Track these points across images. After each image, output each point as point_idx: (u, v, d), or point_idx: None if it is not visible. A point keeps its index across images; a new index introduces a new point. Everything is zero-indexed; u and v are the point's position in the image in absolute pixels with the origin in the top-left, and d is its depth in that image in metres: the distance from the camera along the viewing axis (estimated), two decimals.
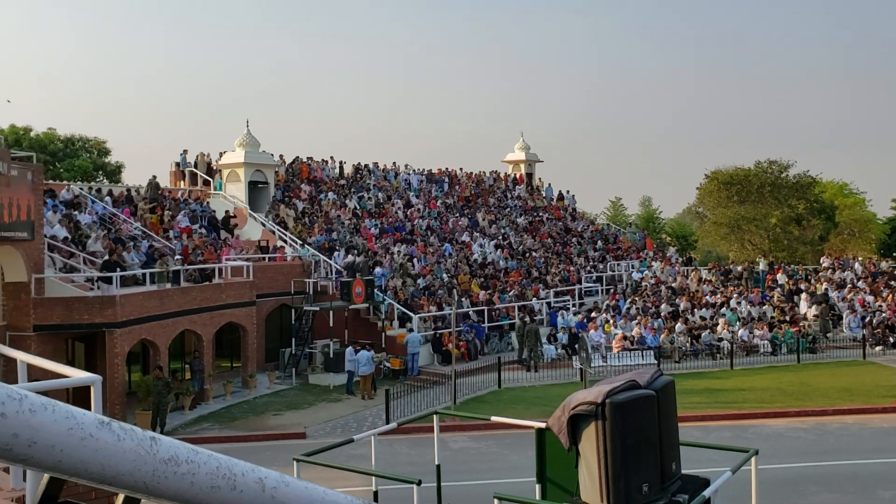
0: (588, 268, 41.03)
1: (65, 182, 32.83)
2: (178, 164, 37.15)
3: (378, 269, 31.83)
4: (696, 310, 34.63)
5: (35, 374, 8.74)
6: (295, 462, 6.25)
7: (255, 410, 23.21)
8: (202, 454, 1.48)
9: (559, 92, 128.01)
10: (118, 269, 22.25)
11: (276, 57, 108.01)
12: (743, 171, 60.60)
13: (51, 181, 30.67)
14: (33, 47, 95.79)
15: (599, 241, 45.88)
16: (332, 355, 26.93)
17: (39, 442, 1.12)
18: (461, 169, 49.32)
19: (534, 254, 40.79)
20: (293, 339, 28.43)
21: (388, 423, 19.85)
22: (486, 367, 27.54)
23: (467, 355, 29.29)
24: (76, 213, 26.97)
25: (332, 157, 43.24)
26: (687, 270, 41.77)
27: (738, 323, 32.82)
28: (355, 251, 32.85)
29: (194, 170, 36.61)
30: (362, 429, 20.29)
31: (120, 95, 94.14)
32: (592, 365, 24.97)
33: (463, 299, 32.26)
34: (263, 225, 33.83)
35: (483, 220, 43.51)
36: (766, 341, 31.41)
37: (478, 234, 41.34)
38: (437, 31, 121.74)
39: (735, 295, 36.19)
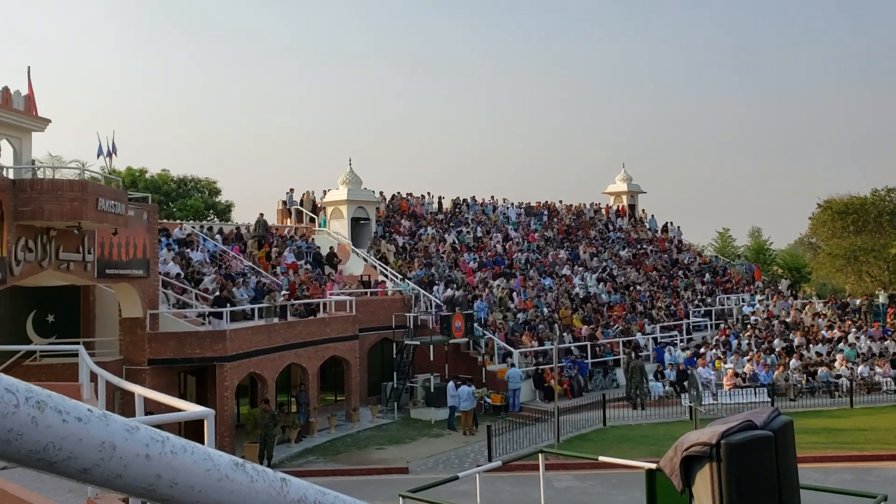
0: (696, 302, 39.94)
1: (178, 221, 34.40)
2: (284, 203, 38.38)
3: (477, 304, 31.88)
4: (811, 345, 33.13)
5: (150, 406, 9.14)
6: (401, 498, 6.28)
7: (358, 444, 23.47)
8: (329, 495, 1.51)
9: (661, 120, 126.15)
10: (228, 305, 23.06)
11: (377, 95, 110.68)
12: (859, 199, 57.96)
13: (165, 220, 32.23)
14: (150, 94, 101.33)
15: (707, 274, 44.65)
16: (432, 390, 27.04)
17: (180, 483, 1.17)
18: (560, 201, 49.11)
19: (638, 287, 40.02)
20: (394, 373, 28.71)
21: (490, 460, 19.71)
22: (590, 404, 27.04)
23: (570, 392, 28.86)
24: (188, 250, 28.15)
25: (429, 193, 43.85)
26: (801, 304, 40.10)
27: (857, 359, 31.20)
28: (454, 285, 33.03)
29: (300, 208, 37.73)
30: (464, 465, 20.22)
31: (229, 137, 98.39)
32: (703, 403, 24.18)
33: (565, 334, 31.90)
34: (365, 260, 34.47)
35: (584, 252, 43.06)
36: (888, 378, 29.72)
37: (579, 267, 40.90)
38: (533, 62, 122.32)
39: (853, 329, 34.46)
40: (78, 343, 16.41)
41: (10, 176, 18.86)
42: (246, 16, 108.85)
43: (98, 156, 21.62)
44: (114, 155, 21.70)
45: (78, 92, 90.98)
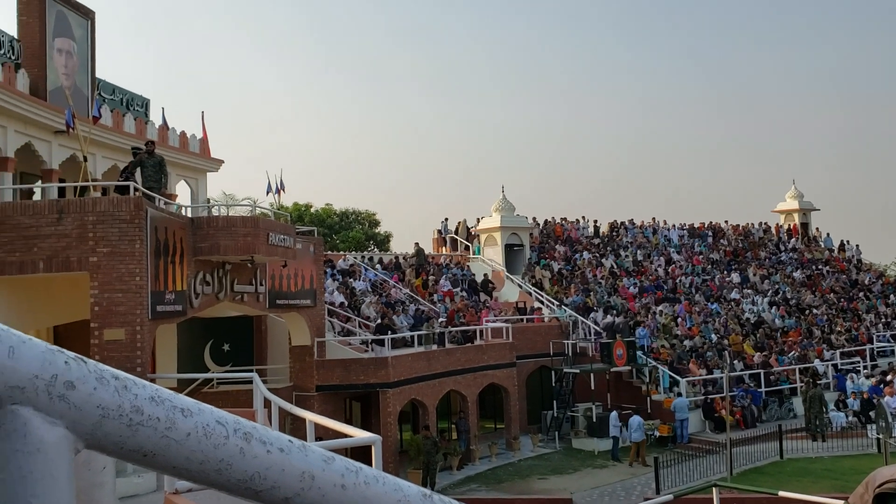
0: (880, 325, 37.14)
1: (341, 252, 35.74)
2: (439, 232, 39.06)
3: (639, 330, 31.05)
4: None
5: (318, 431, 9.46)
6: None
7: (520, 473, 23.33)
8: None
9: (833, 131, 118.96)
10: (389, 332, 23.67)
11: (529, 122, 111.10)
12: None
13: (329, 252, 33.57)
14: (312, 133, 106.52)
15: (892, 296, 41.47)
16: (595, 419, 26.51)
17: None
18: (726, 221, 47.23)
19: (814, 311, 37.71)
20: (554, 402, 28.39)
21: (658, 492, 19.03)
22: (765, 435, 25.59)
23: (743, 422, 27.48)
24: (351, 280, 29.19)
25: (584, 217, 43.36)
26: None
27: None
28: (614, 311, 32.36)
29: (454, 236, 38.27)
30: (631, 498, 19.63)
31: (387, 171, 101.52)
32: (893, 435, 22.34)
33: (735, 361, 30.49)
34: (520, 287, 34.43)
35: (754, 275, 41.09)
36: None
37: (749, 290, 39.06)
38: (687, 75, 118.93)
39: None
40: (251, 370, 17.32)
41: (189, 214, 20.26)
42: (398, 52, 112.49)
43: (267, 193, 22.84)
44: (282, 192, 22.84)
45: (248, 132, 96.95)
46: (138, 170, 16.80)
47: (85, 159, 17.61)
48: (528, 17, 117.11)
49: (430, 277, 32.36)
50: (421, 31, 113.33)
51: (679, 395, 27.65)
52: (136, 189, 15.30)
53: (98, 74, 22.17)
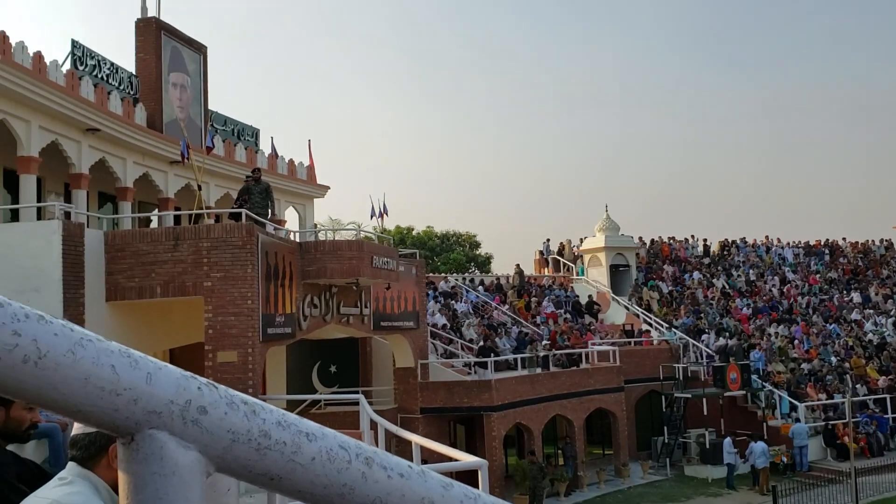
0: None
1: (442, 274, 36.00)
2: (541, 252, 38.75)
3: (754, 353, 29.93)
4: None
5: (423, 454, 9.50)
6: None
7: (630, 501, 22.77)
8: None
9: None
10: (492, 355, 23.61)
11: (631, 140, 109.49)
12: None
13: (431, 274, 33.84)
14: (413, 157, 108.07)
15: None
16: (708, 446, 25.64)
17: None
18: (844, 238, 45.15)
19: None
20: (665, 428, 27.64)
21: None
22: (894, 464, 24.21)
23: (868, 450, 26.04)
24: (453, 302, 29.30)
25: (693, 236, 42.23)
26: None
27: None
28: (727, 333, 31.33)
29: (557, 257, 37.92)
30: None
31: (487, 192, 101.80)
32: None
33: (858, 386, 28.98)
34: (627, 308, 33.76)
35: (876, 294, 39.06)
36: None
37: (870, 310, 37.14)
38: (806, 89, 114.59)
39: None
40: (357, 392, 17.61)
41: (297, 239, 20.83)
42: (499, 75, 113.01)
43: (371, 217, 23.25)
44: (385, 215, 23.22)
45: (352, 158, 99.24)
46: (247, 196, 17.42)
47: (199, 188, 18.40)
48: (624, 34, 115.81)
49: (533, 299, 32.15)
50: (521, 52, 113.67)
51: (797, 420, 26.46)
52: (246, 216, 15.85)
53: (210, 106, 23.18)
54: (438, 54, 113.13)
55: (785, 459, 25.25)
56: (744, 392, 27.63)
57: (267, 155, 25.26)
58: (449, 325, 26.74)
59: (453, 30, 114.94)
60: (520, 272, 33.77)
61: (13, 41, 15.67)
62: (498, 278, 34.66)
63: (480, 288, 32.42)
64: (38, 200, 16.97)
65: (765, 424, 26.91)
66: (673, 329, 31.52)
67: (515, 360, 24.55)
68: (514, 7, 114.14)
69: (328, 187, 28.20)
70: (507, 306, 31.02)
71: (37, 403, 0.89)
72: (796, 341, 32.58)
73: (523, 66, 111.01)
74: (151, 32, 20.54)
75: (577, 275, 36.54)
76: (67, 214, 15.25)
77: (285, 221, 25.84)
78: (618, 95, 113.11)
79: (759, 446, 23.48)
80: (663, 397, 28.35)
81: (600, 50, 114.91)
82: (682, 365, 28.97)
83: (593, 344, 28.43)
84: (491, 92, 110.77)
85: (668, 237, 41.33)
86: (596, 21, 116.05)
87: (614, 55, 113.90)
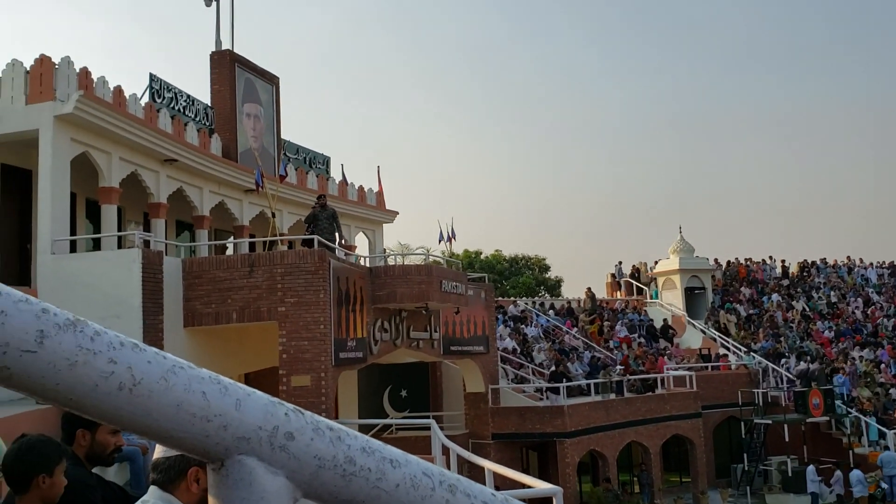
0: None
1: (511, 298, 35.84)
2: (613, 276, 38.29)
3: (837, 378, 28.89)
4: None
5: (496, 480, 9.43)
6: None
7: None
8: None
9: None
10: (564, 380, 23.35)
11: (708, 160, 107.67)
12: None
13: (500, 298, 33.73)
14: (480, 182, 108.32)
15: None
16: (790, 474, 24.78)
17: None
18: None
19: None
20: (745, 455, 26.84)
21: None
22: None
23: None
24: (523, 326, 29.12)
25: (770, 257, 41.17)
26: None
27: None
28: (808, 357, 30.35)
29: (630, 280, 37.42)
30: None
31: (556, 215, 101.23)
32: None
33: None
34: (703, 332, 33.03)
35: None
36: None
37: None
38: (883, 105, 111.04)
39: None
40: (428, 417, 17.60)
41: (367, 264, 21.05)
42: (565, 97, 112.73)
43: (439, 241, 23.35)
44: (453, 240, 23.28)
45: (419, 182, 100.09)
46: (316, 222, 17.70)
47: (273, 215, 18.80)
48: (696, 54, 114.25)
49: (606, 323, 31.74)
50: (589, 73, 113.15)
51: (886, 448, 25.36)
52: (319, 242, 16.09)
53: (283, 135, 23.69)
54: (506, 78, 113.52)
55: (885, 486, 24.19)
56: (827, 418, 26.66)
57: (337, 182, 25.66)
58: (519, 349, 26.57)
59: (521, 53, 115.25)
60: (591, 296, 33.40)
61: (95, 76, 16.34)
62: (569, 302, 34.37)
63: (551, 312, 32.19)
64: (119, 230, 17.53)
65: (851, 452, 25.87)
66: (751, 353, 30.70)
67: (588, 385, 24.22)
68: (582, 29, 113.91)
69: (397, 212, 28.45)
70: (578, 330, 30.71)
71: (131, 429, 0.90)
72: (882, 365, 31.34)
73: (593, 86, 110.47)
74: (226, 65, 21.15)
75: (651, 298, 35.98)
76: (147, 243, 15.74)
77: (355, 247, 26.13)
78: (692, 114, 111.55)
79: (856, 474, 22.58)
80: (742, 423, 27.55)
81: (671, 69, 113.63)
82: (762, 390, 28.12)
83: (669, 369, 27.88)
84: (560, 113, 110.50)
85: (745, 259, 40.44)
86: (667, 40, 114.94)
87: (685, 75, 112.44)
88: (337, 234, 17.85)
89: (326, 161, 26.02)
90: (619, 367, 26.75)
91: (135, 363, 0.87)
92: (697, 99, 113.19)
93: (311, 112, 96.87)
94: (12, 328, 0.81)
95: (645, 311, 34.83)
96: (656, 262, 37.05)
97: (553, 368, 24.66)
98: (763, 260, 40.80)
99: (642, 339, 31.19)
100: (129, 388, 0.87)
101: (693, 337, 32.95)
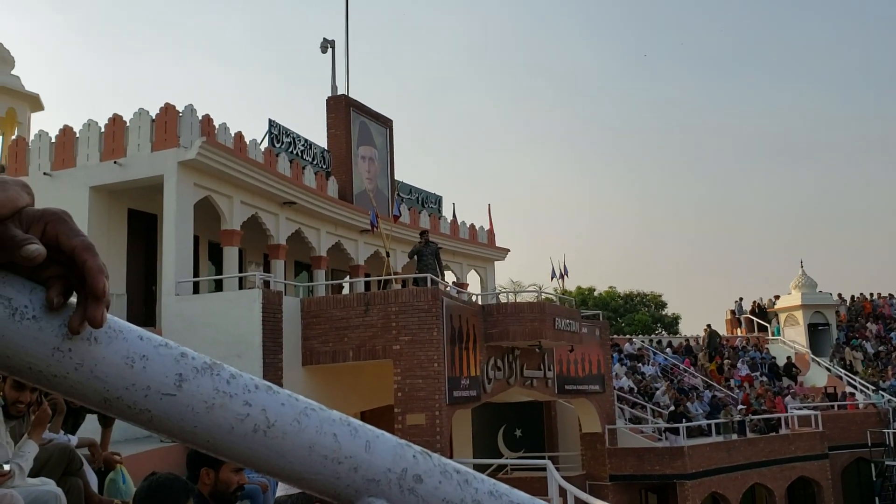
0: None
1: (627, 336, 35.04)
2: (733, 312, 37.18)
3: None
4: None
5: None
6: None
7: None
8: None
9: None
10: (684, 420, 22.53)
11: (825, 189, 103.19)
12: None
13: (615, 336, 33.04)
14: (592, 218, 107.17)
15: None
16: None
17: None
18: None
19: None
20: (876, 499, 25.13)
21: None
22: None
23: None
24: (640, 364, 28.40)
25: None
26: None
27: None
28: None
29: (750, 316, 36.17)
30: None
31: (671, 250, 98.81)
32: None
33: None
34: (828, 370, 31.43)
35: None
36: None
37: None
38: None
39: None
40: (543, 457, 17.18)
41: (479, 302, 20.94)
42: (675, 127, 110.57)
43: (552, 278, 23.04)
44: (565, 276, 22.95)
45: (530, 219, 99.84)
46: (416, 258, 17.77)
47: (387, 255, 18.93)
48: (813, 79, 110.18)
49: (726, 361, 30.70)
50: (701, 105, 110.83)
51: None
52: (432, 280, 16.08)
53: (396, 176, 24.03)
54: (612, 111, 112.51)
55: None
56: None
57: (449, 221, 25.79)
58: (636, 388, 25.91)
59: (629, 85, 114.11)
60: (711, 333, 32.42)
61: (216, 123, 16.95)
62: (687, 339, 33.53)
63: (668, 350, 31.42)
64: (240, 271, 18.02)
65: None
66: (880, 391, 28.94)
67: (709, 425, 23.31)
68: (691, 57, 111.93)
69: (508, 250, 28.33)
70: (698, 369, 29.78)
71: (264, 471, 0.91)
72: None
73: (709, 116, 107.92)
74: (341, 109, 21.67)
75: (773, 335, 34.67)
76: (266, 283, 16.07)
77: (467, 284, 26.12)
78: (813, 143, 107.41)
79: None
80: (872, 465, 25.87)
81: (786, 95, 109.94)
82: (893, 430, 26.37)
83: (793, 408, 26.63)
84: (670, 147, 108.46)
85: (871, 293, 38.34)
86: (781, 65, 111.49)
87: (802, 100, 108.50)
88: (439, 271, 17.87)
89: (438, 200, 26.23)
90: (740, 406, 25.76)
91: (269, 405, 0.89)
92: (820, 124, 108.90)
93: (422, 152, 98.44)
94: (153, 372, 0.83)
95: (767, 348, 33.59)
96: (777, 298, 35.72)
97: (672, 408, 23.87)
98: (890, 294, 38.59)
99: (764, 378, 30.08)
100: (264, 431, 0.87)
101: (818, 375, 31.44)
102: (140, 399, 0.83)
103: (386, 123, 23.62)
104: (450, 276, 24.08)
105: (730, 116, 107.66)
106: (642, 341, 32.00)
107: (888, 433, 26.16)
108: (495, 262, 28.06)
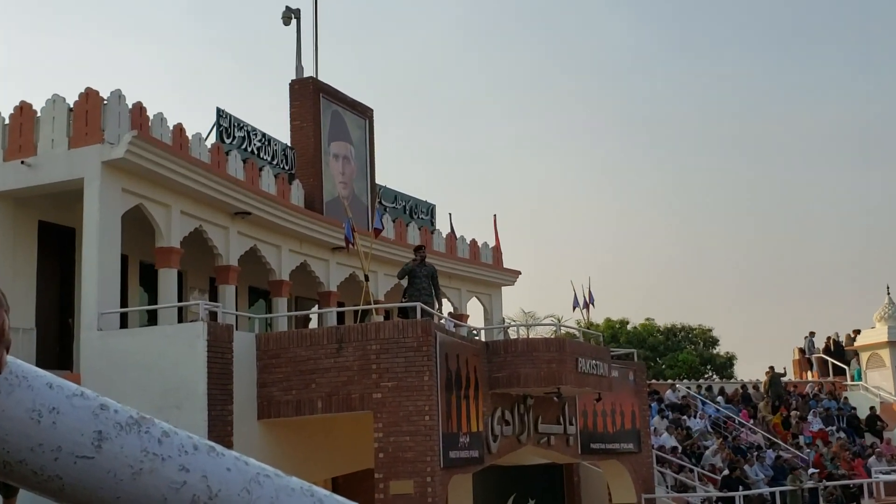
0: None
1: (669, 381, 35.03)
2: (802, 351, 37.21)
3: None
4: None
5: None
6: None
7: None
8: None
9: None
10: (741, 487, 22.59)
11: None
12: None
13: (654, 381, 32.99)
14: (622, 237, 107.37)
15: None
16: None
17: None
18: None
19: None
20: None
21: None
22: None
23: None
24: (685, 417, 28.41)
25: None
26: None
27: None
28: None
29: (824, 356, 36.25)
30: None
31: (725, 276, 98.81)
32: None
33: None
34: None
35: None
36: None
37: None
38: None
39: None
40: None
41: (483, 338, 20.92)
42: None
43: (574, 308, 23.05)
44: (591, 306, 22.97)
45: (544, 236, 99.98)
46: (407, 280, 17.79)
47: (366, 279, 18.94)
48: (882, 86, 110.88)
49: (793, 413, 30.79)
50: (761, 85, 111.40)
51: None
52: (424, 311, 16.07)
53: (378, 180, 24.09)
54: (648, 100, 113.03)
55: None
56: None
57: (444, 235, 25.83)
58: (681, 447, 25.91)
59: (670, 66, 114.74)
60: (774, 377, 32.47)
61: (150, 113, 16.86)
62: (744, 385, 33.72)
63: (721, 398, 31.51)
64: (180, 299, 17.99)
65: None
66: None
67: (772, 494, 23.37)
68: (749, 31, 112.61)
69: (518, 272, 28.39)
70: (758, 422, 29.82)
71: None
72: None
73: (765, 107, 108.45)
74: (308, 96, 21.74)
75: (853, 379, 34.75)
76: (213, 315, 16.07)
77: (467, 316, 26.14)
78: (885, 151, 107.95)
79: None
80: None
81: (871, 81, 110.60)
82: None
83: (878, 472, 26.69)
84: (723, 145, 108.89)
85: None
86: (867, 43, 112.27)
87: (879, 105, 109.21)
88: (436, 299, 17.87)
89: (430, 210, 26.30)
90: (811, 470, 25.80)
91: (211, 471, 0.87)
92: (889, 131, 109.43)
93: (410, 151, 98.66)
94: (66, 429, 0.82)
95: (845, 396, 33.71)
96: (857, 333, 35.82)
97: (726, 472, 23.95)
98: None
99: (842, 434, 30.14)
100: (205, 502, 0.86)
101: None
102: (49, 463, 0.82)
103: (365, 113, 23.72)
104: (445, 306, 24.09)
105: (799, 107, 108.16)
106: (688, 388, 32.04)
107: None
108: (502, 288, 28.09)
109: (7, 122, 16.75)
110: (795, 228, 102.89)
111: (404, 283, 18.39)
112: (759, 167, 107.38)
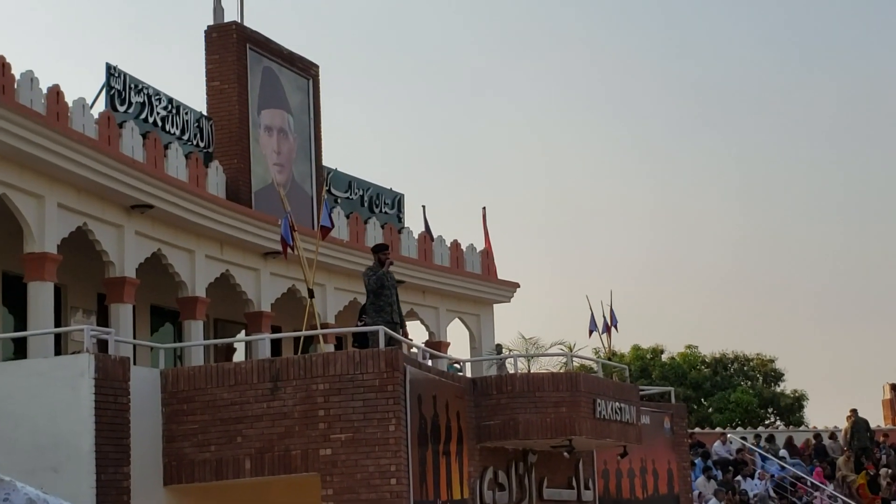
0: None
1: (717, 429, 35.00)
2: (893, 388, 37.42)
3: None
4: None
5: None
6: None
7: None
8: None
9: None
10: None
11: None
12: None
13: (697, 430, 32.93)
14: (652, 252, 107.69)
15: None
16: None
17: None
18: None
19: None
20: None
21: None
22: None
23: None
24: (739, 477, 28.39)
25: None
26: None
27: None
28: None
29: None
30: None
31: (786, 293, 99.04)
32: None
33: None
34: None
35: None
36: None
37: None
38: None
39: None
40: None
41: (468, 373, 20.79)
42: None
43: (591, 332, 23.05)
44: (613, 329, 22.96)
45: (552, 241, 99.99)
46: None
47: (311, 294, 18.76)
48: None
49: (883, 470, 30.87)
50: (845, 44, 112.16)
51: None
52: (389, 338, 15.93)
53: (326, 161, 23.93)
54: (691, 60, 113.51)
55: None
56: None
57: (416, 235, 25.68)
58: None
59: (724, 19, 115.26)
60: (857, 423, 32.52)
61: (17, 72, 16.64)
62: (818, 435, 33.82)
63: (786, 452, 31.49)
64: (58, 323, 17.80)
65: None
66: None
67: None
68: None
69: (516, 285, 28.31)
70: (836, 484, 29.90)
71: None
72: None
73: (850, 72, 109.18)
74: (231, 47, 21.58)
75: None
76: (103, 344, 15.87)
77: (447, 344, 26.05)
78: None
79: None
80: None
81: None
82: None
83: None
84: (786, 121, 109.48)
85: None
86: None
87: None
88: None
89: (397, 201, 26.21)
90: None
91: None
92: None
93: (369, 122, 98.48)
94: None
95: None
96: None
97: None
98: None
99: None
100: None
101: None
102: None
103: (308, 71, 23.63)
104: (414, 330, 23.99)
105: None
106: (743, 438, 32.12)
107: None
108: (494, 306, 28.01)
109: None
110: (883, 232, 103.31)
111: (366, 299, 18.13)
112: (838, 149, 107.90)
